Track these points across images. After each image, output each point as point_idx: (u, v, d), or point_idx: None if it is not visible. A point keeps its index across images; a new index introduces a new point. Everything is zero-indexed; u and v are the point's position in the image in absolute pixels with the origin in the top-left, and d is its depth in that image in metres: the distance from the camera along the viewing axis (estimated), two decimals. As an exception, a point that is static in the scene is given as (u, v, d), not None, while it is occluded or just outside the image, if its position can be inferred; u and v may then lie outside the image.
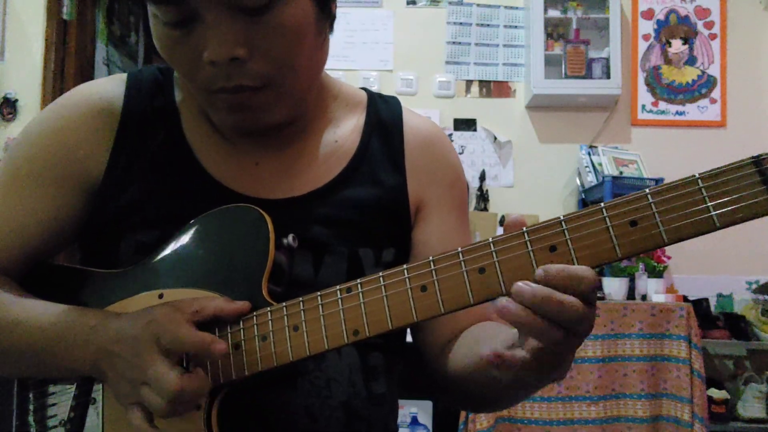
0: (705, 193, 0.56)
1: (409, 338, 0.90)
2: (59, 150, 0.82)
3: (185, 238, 0.78)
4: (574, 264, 0.58)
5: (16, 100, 3.02)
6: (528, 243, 0.60)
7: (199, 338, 0.66)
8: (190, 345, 0.66)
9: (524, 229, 0.60)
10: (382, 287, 0.65)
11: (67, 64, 3.06)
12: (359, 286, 0.66)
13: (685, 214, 0.57)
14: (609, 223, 0.58)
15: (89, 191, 0.83)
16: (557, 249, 0.59)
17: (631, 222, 0.58)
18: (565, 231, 0.59)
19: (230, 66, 0.72)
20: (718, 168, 0.56)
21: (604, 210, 0.58)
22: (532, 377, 0.62)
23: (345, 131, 0.89)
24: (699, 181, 0.56)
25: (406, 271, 0.64)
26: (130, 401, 0.67)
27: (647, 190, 0.58)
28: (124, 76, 0.87)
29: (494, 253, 0.61)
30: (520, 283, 0.57)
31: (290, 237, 0.76)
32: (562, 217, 0.59)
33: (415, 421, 2.92)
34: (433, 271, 0.63)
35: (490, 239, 0.61)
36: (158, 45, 0.76)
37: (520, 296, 0.57)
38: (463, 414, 2.56)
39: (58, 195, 0.82)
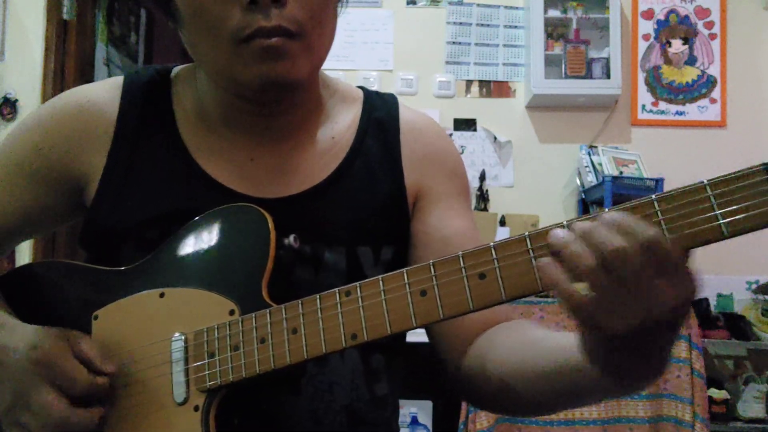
0: (714, 201, 0.53)
1: (410, 338, 0.90)
2: (45, 149, 0.84)
3: (186, 237, 0.78)
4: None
5: (16, 100, 3.01)
6: (530, 249, 0.59)
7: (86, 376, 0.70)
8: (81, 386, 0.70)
9: (526, 233, 0.59)
10: (382, 291, 0.64)
11: (67, 64, 3.05)
12: (358, 289, 0.66)
13: (692, 222, 0.54)
14: None
15: (74, 191, 0.85)
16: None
17: None
18: None
19: (271, 6, 0.72)
20: (727, 174, 0.53)
21: None
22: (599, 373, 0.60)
23: (341, 127, 0.88)
24: (708, 188, 0.54)
25: (405, 275, 0.64)
26: (8, 420, 0.70)
27: (654, 196, 0.55)
28: (121, 79, 0.88)
29: (495, 260, 0.60)
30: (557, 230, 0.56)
31: (291, 237, 0.76)
32: (565, 222, 0.58)
33: (415, 421, 2.92)
34: (433, 276, 0.62)
35: (492, 244, 0.60)
36: None
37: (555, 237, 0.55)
38: (463, 414, 2.56)
39: (37, 189, 0.85)
